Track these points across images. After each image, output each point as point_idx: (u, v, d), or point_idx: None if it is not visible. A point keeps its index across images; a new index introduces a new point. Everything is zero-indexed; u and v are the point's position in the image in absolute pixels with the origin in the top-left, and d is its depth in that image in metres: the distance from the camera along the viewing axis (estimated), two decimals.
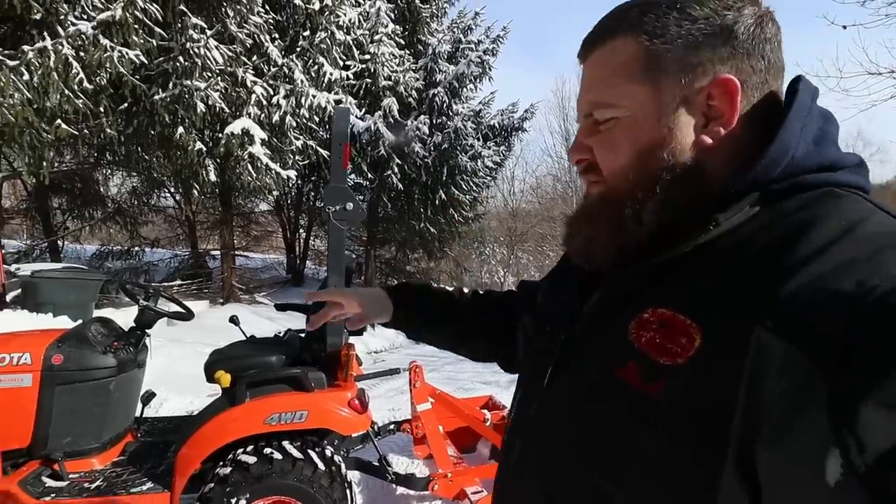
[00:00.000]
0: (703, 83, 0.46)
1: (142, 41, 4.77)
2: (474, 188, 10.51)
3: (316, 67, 7.13)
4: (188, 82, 5.43)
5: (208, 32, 5.50)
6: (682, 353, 0.41)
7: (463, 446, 3.18)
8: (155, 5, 4.96)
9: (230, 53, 5.88)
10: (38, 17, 4.31)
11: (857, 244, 0.38)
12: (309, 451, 2.07)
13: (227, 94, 6.07)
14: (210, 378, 2.20)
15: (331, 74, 7.17)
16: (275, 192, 7.44)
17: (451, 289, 0.93)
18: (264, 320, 6.64)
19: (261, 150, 6.23)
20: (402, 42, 9.36)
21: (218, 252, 9.51)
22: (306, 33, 7.27)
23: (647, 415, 0.42)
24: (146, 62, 5.06)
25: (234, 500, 1.94)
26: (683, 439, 0.40)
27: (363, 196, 10.99)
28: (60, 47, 4.15)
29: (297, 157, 7.30)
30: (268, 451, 2.02)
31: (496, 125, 11.04)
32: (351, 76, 8.01)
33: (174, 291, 8.55)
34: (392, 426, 3.12)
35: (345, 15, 7.43)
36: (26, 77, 3.99)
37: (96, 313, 5.25)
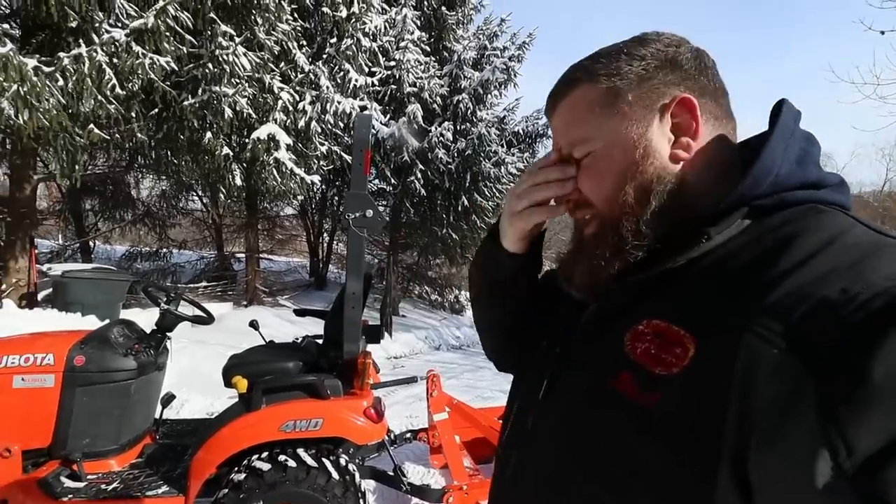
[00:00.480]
0: (665, 101, 0.52)
1: (173, 48, 4.89)
2: (497, 195, 10.44)
3: (342, 74, 7.21)
4: (217, 88, 5.54)
5: (237, 40, 5.61)
6: (677, 363, 0.43)
7: (480, 457, 3.11)
8: (186, 13, 5.08)
9: (258, 60, 5.99)
10: (73, 24, 4.46)
11: (837, 255, 0.40)
12: (323, 459, 2.05)
13: (255, 100, 6.18)
14: (227, 383, 2.21)
15: (356, 81, 7.24)
16: (299, 197, 7.52)
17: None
18: (286, 323, 6.71)
19: (286, 155, 6.32)
20: (428, 49, 9.40)
21: (243, 255, 9.68)
22: (333, 40, 7.36)
23: (643, 425, 0.43)
24: (176, 69, 5.19)
25: None
26: (679, 448, 0.41)
27: (386, 201, 11.05)
28: (95, 54, 4.28)
29: (321, 163, 7.39)
30: (282, 458, 2.01)
31: (520, 132, 10.96)
32: (376, 82, 8.07)
33: (199, 293, 8.73)
34: (409, 434, 3.08)
35: (371, 22, 7.51)
36: (61, 83, 4.13)
37: (123, 313, 5.39)
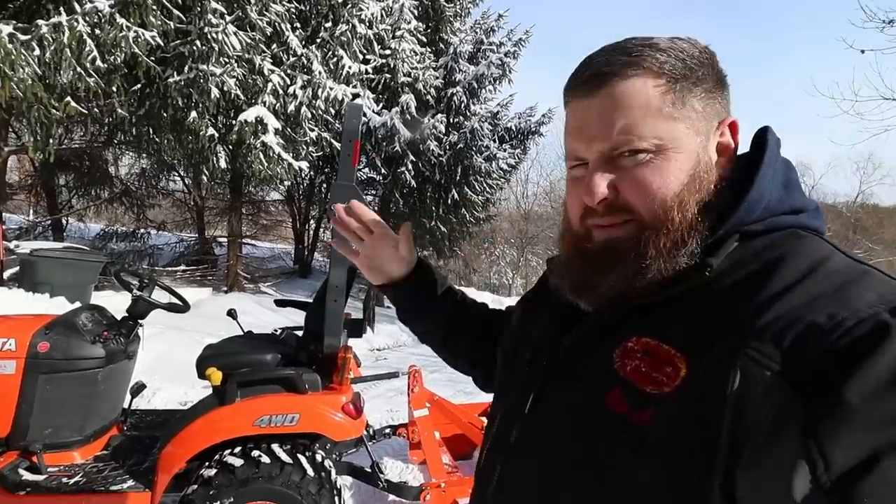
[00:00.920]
0: (716, 122, 0.51)
1: (159, 22, 4.71)
2: (487, 189, 10.42)
3: (335, 60, 7.06)
4: (204, 67, 5.37)
5: (227, 18, 5.44)
6: (669, 383, 0.43)
7: (459, 453, 3.10)
8: None
9: (249, 40, 5.82)
10: None
11: (822, 280, 0.42)
12: (298, 455, 2.00)
13: (243, 81, 6.01)
14: (201, 374, 2.13)
15: (349, 67, 7.10)
16: (286, 182, 7.38)
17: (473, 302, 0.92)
18: (267, 311, 6.58)
19: (274, 139, 6.17)
20: (424, 39, 9.28)
21: (225, 239, 9.49)
22: (328, 24, 7.19)
23: (634, 443, 0.44)
24: (162, 44, 5.00)
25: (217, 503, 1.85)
26: (672, 467, 0.41)
27: (376, 191, 10.93)
28: (76, 24, 4.09)
29: (310, 149, 7.24)
30: (256, 453, 1.95)
31: (513, 128, 10.93)
32: (370, 70, 7.93)
33: (177, 277, 8.53)
34: (388, 430, 3.05)
35: (368, 9, 7.35)
36: (38, 52, 3.93)
37: (96, 296, 5.21)
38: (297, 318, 2.90)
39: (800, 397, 0.37)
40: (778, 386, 0.38)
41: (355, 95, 7.34)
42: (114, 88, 4.94)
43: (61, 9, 4.23)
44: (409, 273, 0.81)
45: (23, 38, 3.87)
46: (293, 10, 6.83)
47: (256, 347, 2.31)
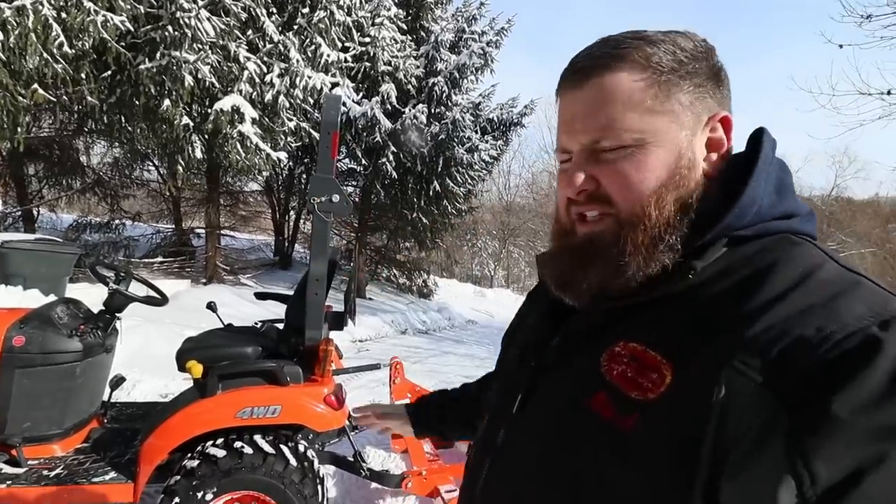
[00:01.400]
0: (710, 114, 0.51)
1: (128, 7, 4.56)
2: (469, 181, 10.42)
3: (313, 47, 6.93)
4: (177, 53, 5.22)
5: (200, 2, 5.29)
6: (654, 389, 0.43)
7: (441, 443, 3.15)
8: None
9: (223, 26, 5.67)
10: None
11: (813, 290, 0.42)
12: (281, 445, 2.02)
13: (218, 68, 5.87)
14: (181, 367, 2.13)
15: (328, 56, 6.99)
16: (265, 173, 7.25)
17: (464, 384, 1.01)
18: (247, 303, 6.52)
19: (251, 129, 6.06)
20: (405, 27, 9.16)
21: (203, 230, 9.31)
22: (305, 10, 7.05)
23: (618, 448, 0.44)
24: (132, 29, 4.85)
25: (200, 494, 1.88)
26: (654, 473, 0.41)
27: (356, 182, 10.84)
28: (41, 7, 3.94)
29: (289, 139, 7.13)
30: (238, 444, 1.97)
31: (495, 119, 10.92)
32: (349, 59, 7.82)
33: (154, 269, 8.36)
34: None
35: None
36: (1, 37, 3.78)
37: (70, 288, 5.10)
38: (277, 310, 2.90)
39: (785, 410, 0.37)
40: (763, 398, 0.38)
41: (334, 84, 7.24)
42: (83, 75, 4.78)
43: None
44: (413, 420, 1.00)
45: None
46: None
47: (237, 340, 2.31)
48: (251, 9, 6.22)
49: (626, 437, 0.43)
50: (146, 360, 4.23)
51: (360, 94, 8.72)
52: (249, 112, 6.03)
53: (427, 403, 1.01)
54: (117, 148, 8.93)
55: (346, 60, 7.59)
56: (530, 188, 26.92)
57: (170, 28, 5.19)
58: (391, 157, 8.86)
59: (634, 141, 0.49)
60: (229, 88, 6.04)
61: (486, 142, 10.39)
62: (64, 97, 4.97)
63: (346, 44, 7.75)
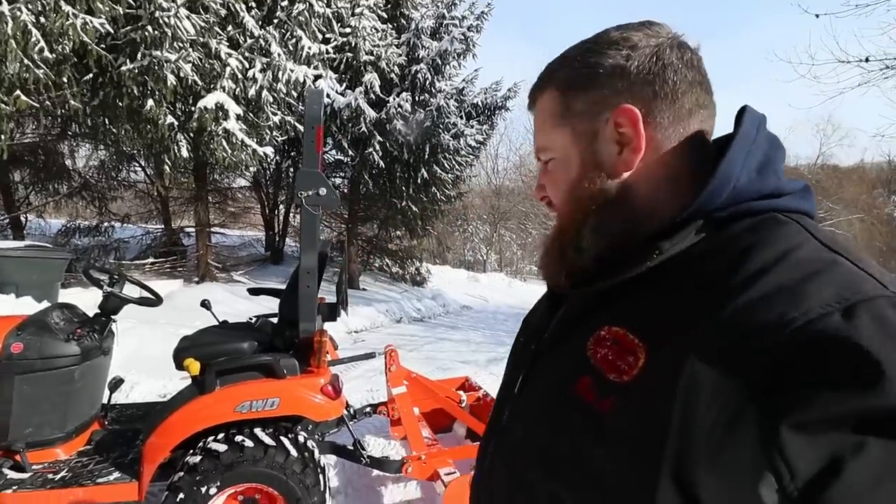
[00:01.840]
0: (607, 115, 0.52)
1: (107, 8, 4.49)
2: (457, 167, 10.40)
3: (294, 40, 6.86)
4: (157, 53, 5.17)
5: (179, 1, 5.22)
6: (629, 371, 0.44)
7: (439, 427, 3.22)
8: None
9: (202, 23, 5.60)
10: None
11: (786, 272, 0.41)
12: (281, 437, 2.06)
13: (200, 66, 5.81)
14: (179, 366, 2.16)
15: (309, 48, 6.92)
16: (252, 169, 7.21)
17: None
18: (240, 300, 6.54)
19: (236, 125, 6.02)
20: (385, 16, 9.05)
21: (193, 229, 9.27)
22: (284, 3, 6.96)
23: (596, 429, 0.45)
24: (112, 31, 4.78)
25: (204, 489, 1.93)
26: (623, 456, 0.43)
27: (344, 173, 10.79)
28: (18, 13, 3.88)
29: (274, 133, 7.09)
30: (239, 438, 2.01)
31: (479, 103, 10.87)
32: (331, 50, 7.75)
33: (146, 270, 8.34)
34: (368, 409, 3.14)
35: None
36: None
37: (63, 294, 5.09)
38: (271, 305, 2.94)
39: (752, 399, 0.37)
40: (727, 386, 0.38)
41: (317, 77, 7.18)
42: (65, 79, 4.72)
43: None
44: None
45: None
46: None
47: (232, 336, 2.35)
48: (230, 4, 6.14)
49: (603, 418, 0.45)
50: (143, 362, 4.26)
51: (344, 84, 8.65)
52: (233, 108, 5.98)
53: None
54: (103, 150, 8.83)
55: (327, 52, 7.53)
56: (518, 171, 26.89)
57: (149, 28, 5.12)
58: (377, 147, 8.83)
59: (550, 155, 0.58)
60: (212, 86, 5.98)
61: (472, 127, 10.35)
62: (47, 102, 4.90)
63: (327, 35, 7.67)
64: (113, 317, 2.38)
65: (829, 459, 0.34)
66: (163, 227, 10.05)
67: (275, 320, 2.73)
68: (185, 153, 6.09)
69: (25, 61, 4.02)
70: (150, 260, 8.76)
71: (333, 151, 10.05)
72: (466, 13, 10.30)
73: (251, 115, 6.56)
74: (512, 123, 29.51)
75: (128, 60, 5.23)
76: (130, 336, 4.53)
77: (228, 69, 5.98)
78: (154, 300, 2.47)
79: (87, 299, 4.69)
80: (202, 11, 5.71)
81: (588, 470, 0.45)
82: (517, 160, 27.08)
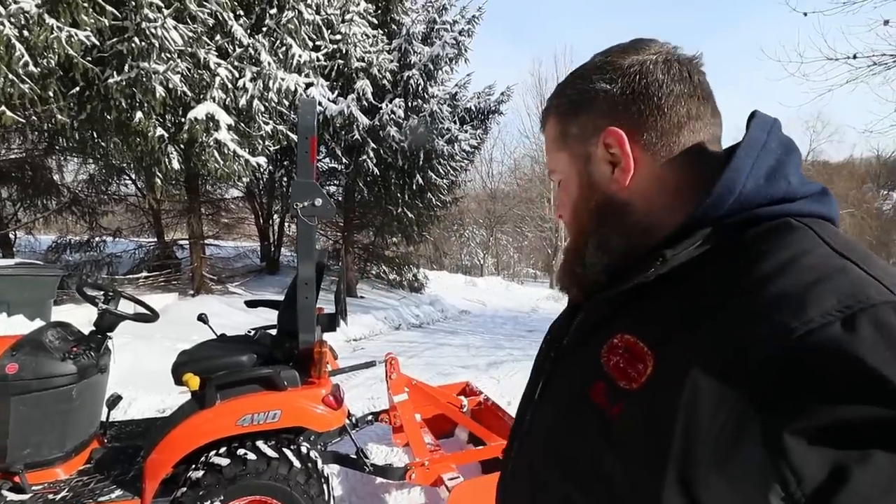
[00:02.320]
0: (597, 138, 0.55)
1: (92, 21, 4.46)
2: (452, 172, 10.41)
3: (284, 49, 6.84)
4: (145, 64, 5.13)
5: (165, 11, 5.20)
6: (638, 379, 0.45)
7: (441, 432, 3.22)
8: None
9: (190, 33, 5.58)
10: None
11: (792, 279, 0.41)
12: (284, 449, 2.05)
13: (189, 76, 5.78)
14: (178, 381, 2.14)
15: (300, 56, 6.90)
16: (244, 179, 7.18)
17: None
18: (238, 312, 6.49)
19: (227, 135, 5.99)
20: (375, 21, 9.07)
21: (186, 241, 9.21)
22: (273, 11, 6.94)
23: (607, 434, 0.46)
24: (98, 43, 4.75)
25: (208, 503, 1.90)
26: (632, 463, 0.44)
27: (338, 181, 10.76)
28: (1, 27, 3.84)
29: (266, 143, 7.06)
30: (241, 451, 2.00)
31: (473, 108, 10.89)
32: (321, 57, 7.74)
33: (140, 284, 8.26)
34: (370, 417, 3.13)
35: None
36: None
37: (56, 311, 5.03)
38: (269, 316, 2.92)
39: (754, 408, 0.37)
40: (730, 396, 0.38)
41: (308, 85, 7.16)
42: (50, 93, 4.68)
43: None
44: None
45: None
46: None
47: (231, 350, 2.33)
48: (218, 14, 6.12)
49: (613, 424, 0.46)
50: (140, 378, 4.22)
51: (336, 92, 8.64)
52: (224, 118, 5.96)
53: None
54: (91, 164, 8.76)
55: (318, 59, 7.52)
56: (513, 174, 26.99)
57: (136, 39, 5.09)
58: (371, 154, 8.82)
59: (558, 176, 0.62)
60: (202, 96, 5.95)
61: (466, 131, 10.38)
62: (33, 117, 4.85)
63: (318, 42, 7.67)
64: (109, 334, 2.35)
65: (835, 467, 0.34)
66: (155, 240, 9.97)
67: (274, 332, 2.71)
68: (176, 165, 6.04)
69: (10, 76, 3.98)
70: (144, 274, 8.68)
71: (327, 159, 10.02)
72: (457, 17, 10.34)
73: (242, 125, 6.53)
74: (506, 127, 29.73)
75: (115, 73, 5.18)
76: (126, 352, 4.48)
77: (218, 79, 5.95)
78: (150, 316, 2.44)
79: (80, 316, 4.64)
80: (189, 21, 5.69)
81: (599, 473, 0.47)
82: (512, 164, 27.21)
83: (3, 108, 4.17)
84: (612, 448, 0.46)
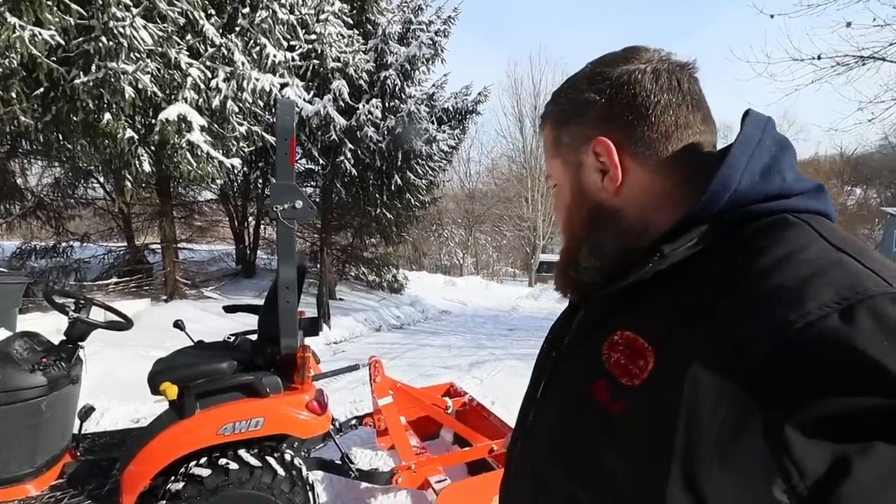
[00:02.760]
0: (586, 147, 0.56)
1: (57, 19, 4.29)
2: (430, 172, 10.41)
3: (258, 48, 6.71)
4: (113, 65, 4.96)
5: (134, 10, 5.04)
6: (639, 375, 0.45)
7: (426, 434, 3.21)
8: None
9: (160, 33, 5.43)
10: None
11: (789, 273, 0.41)
12: (267, 457, 2.02)
13: (160, 76, 5.62)
14: (155, 391, 2.08)
15: (274, 56, 6.78)
16: (219, 181, 7.02)
17: None
18: (214, 317, 6.35)
19: (200, 137, 5.85)
20: (350, 21, 8.98)
21: (158, 245, 8.95)
22: (245, 10, 6.81)
23: (609, 432, 0.46)
24: (63, 43, 4.57)
25: None
26: (634, 459, 0.44)
27: (315, 182, 10.63)
28: None
29: (241, 144, 6.91)
30: (223, 461, 1.95)
31: (450, 108, 10.92)
32: (296, 57, 7.63)
33: (110, 290, 7.99)
34: (354, 421, 3.10)
35: None
36: None
37: (22, 319, 4.82)
38: (247, 321, 2.86)
39: (755, 402, 0.37)
40: (731, 390, 0.38)
41: (283, 85, 7.05)
42: (13, 94, 4.49)
43: None
44: None
45: None
46: None
47: (210, 357, 2.27)
48: (189, 13, 5.97)
49: (615, 421, 0.46)
50: (113, 387, 4.08)
51: (311, 92, 8.53)
52: (197, 120, 5.81)
53: None
54: (57, 167, 8.43)
55: (293, 59, 7.41)
56: (491, 173, 27.17)
57: (104, 39, 4.92)
58: (349, 155, 8.75)
59: (553, 182, 0.64)
60: (173, 97, 5.79)
61: (444, 132, 10.39)
62: None
63: (292, 42, 7.55)
64: (80, 343, 2.26)
65: (836, 459, 0.34)
66: (126, 244, 9.65)
67: (254, 337, 2.66)
68: (146, 168, 5.86)
69: None
70: (114, 280, 8.40)
71: (304, 160, 9.89)
72: (433, 18, 10.34)
73: (216, 126, 6.38)
74: (483, 127, 29.96)
75: (81, 73, 5.00)
76: (98, 360, 4.33)
77: (190, 79, 5.80)
78: (124, 324, 2.36)
79: (48, 325, 4.46)
80: (159, 20, 5.53)
81: (602, 471, 0.46)
82: (489, 163, 27.36)
83: None
84: (614, 445, 0.46)
